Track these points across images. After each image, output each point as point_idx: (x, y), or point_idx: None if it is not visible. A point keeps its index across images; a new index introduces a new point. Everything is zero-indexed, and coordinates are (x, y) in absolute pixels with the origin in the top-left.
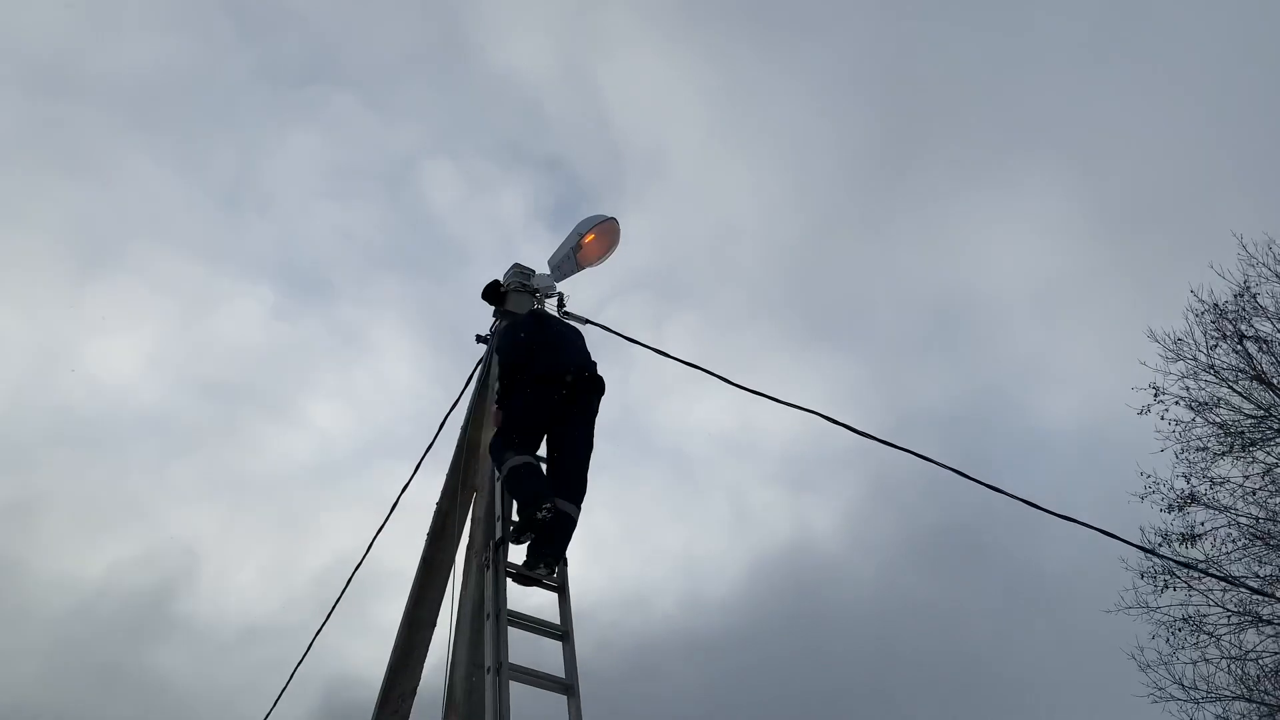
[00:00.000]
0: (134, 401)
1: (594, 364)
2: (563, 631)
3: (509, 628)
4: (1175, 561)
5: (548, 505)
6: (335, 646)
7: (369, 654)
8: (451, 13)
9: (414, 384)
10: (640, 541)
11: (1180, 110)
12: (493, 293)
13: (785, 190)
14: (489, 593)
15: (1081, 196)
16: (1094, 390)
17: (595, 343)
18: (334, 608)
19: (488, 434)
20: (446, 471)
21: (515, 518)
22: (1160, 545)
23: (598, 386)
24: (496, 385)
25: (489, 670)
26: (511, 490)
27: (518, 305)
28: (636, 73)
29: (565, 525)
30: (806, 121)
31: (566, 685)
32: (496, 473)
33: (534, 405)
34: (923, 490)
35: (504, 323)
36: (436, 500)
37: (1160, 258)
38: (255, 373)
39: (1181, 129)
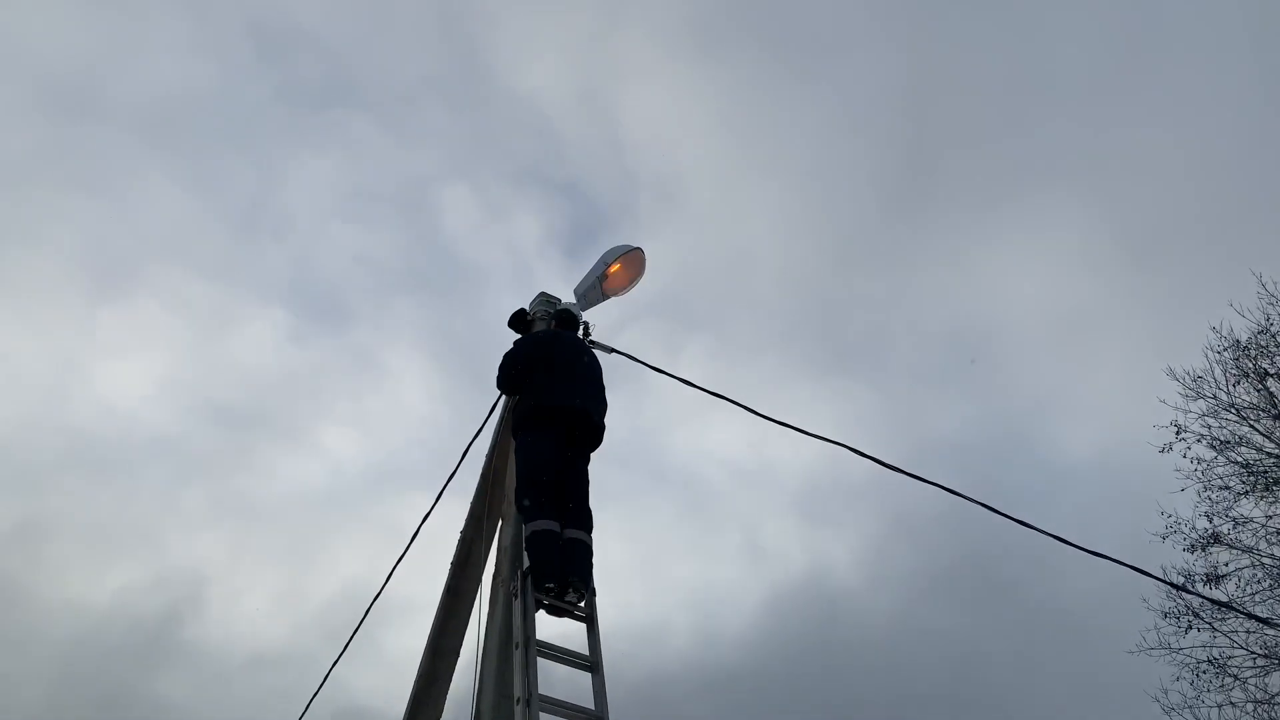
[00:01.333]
0: (145, 425)
1: (598, 407)
2: (592, 663)
3: (537, 659)
4: (1206, 599)
5: (550, 586)
6: (343, 676)
7: (377, 684)
8: (469, 37)
9: (427, 410)
10: (653, 572)
11: (1204, 138)
12: (519, 321)
13: (803, 217)
14: (517, 622)
15: (1104, 225)
16: (1115, 423)
17: (612, 368)
18: (350, 639)
19: (512, 465)
20: (471, 500)
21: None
22: (1178, 591)
23: (594, 436)
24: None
25: (518, 701)
26: (529, 553)
27: None
28: (653, 97)
29: (581, 551)
30: (825, 147)
31: (597, 717)
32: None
33: (541, 453)
34: (941, 523)
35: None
36: (460, 529)
37: (1184, 288)
38: (268, 397)
39: (1206, 157)
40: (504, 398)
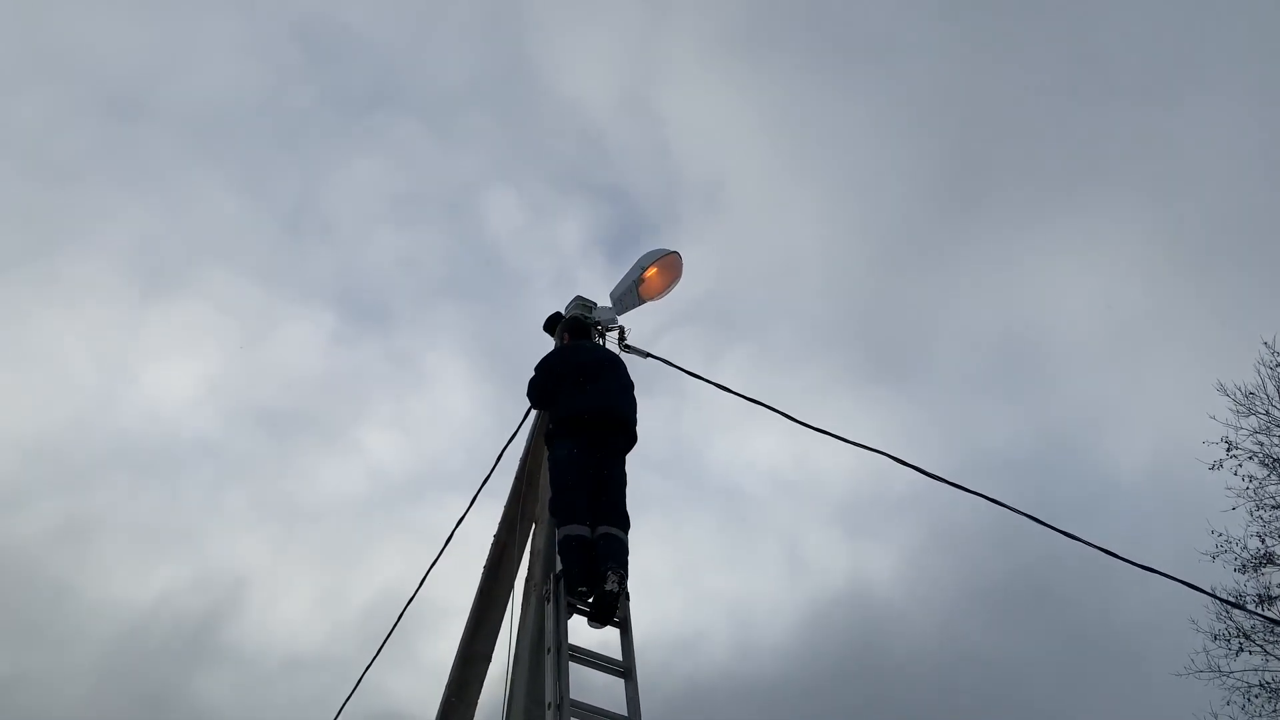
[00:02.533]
0: (190, 426)
1: (625, 407)
2: (625, 668)
3: (569, 664)
4: (1264, 618)
5: (583, 590)
6: (377, 681)
7: (412, 689)
8: (515, 41)
9: (469, 414)
10: (690, 582)
11: (1263, 140)
12: (554, 325)
13: (847, 222)
14: (549, 626)
15: (1158, 231)
16: (1167, 436)
17: (651, 375)
18: (383, 645)
19: (545, 469)
20: (505, 503)
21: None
22: (1232, 611)
23: (626, 437)
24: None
25: (550, 706)
26: (561, 558)
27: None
28: (698, 102)
29: (615, 544)
30: (871, 152)
31: None
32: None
33: (571, 458)
34: (986, 537)
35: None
36: (494, 532)
37: (1240, 295)
38: (311, 399)
39: (1265, 160)
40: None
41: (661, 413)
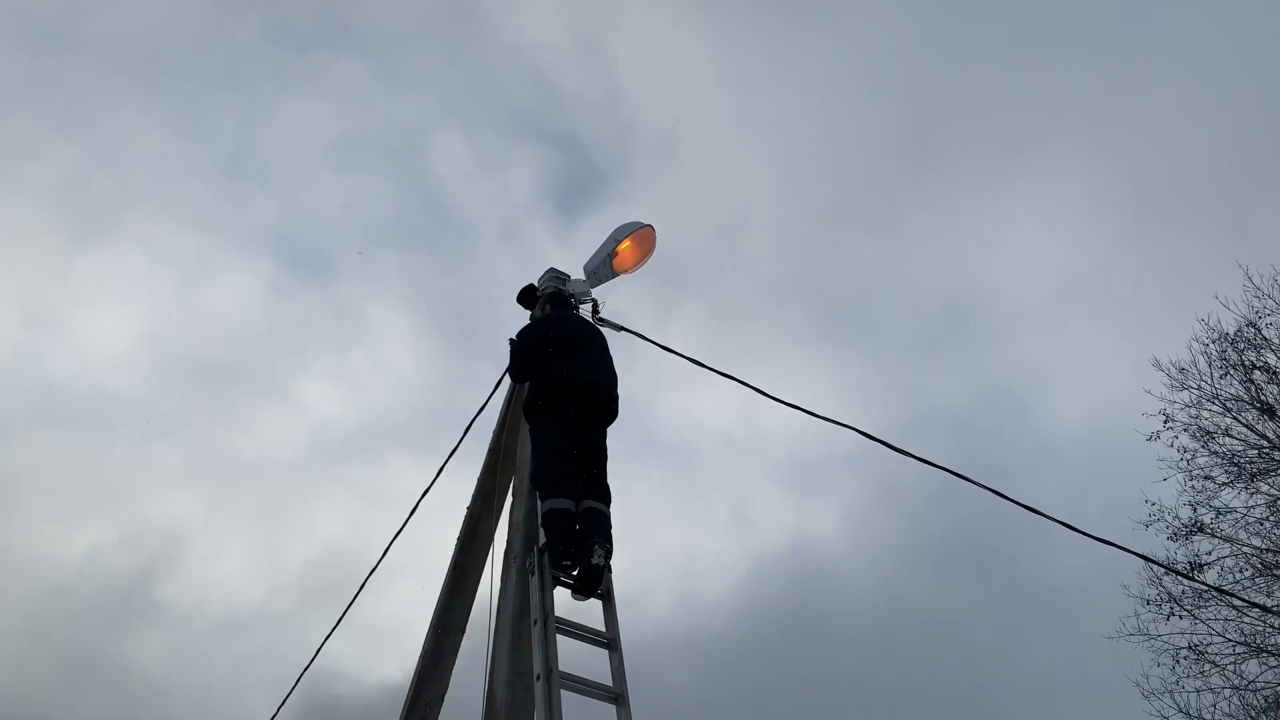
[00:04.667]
0: (120, 376)
1: (607, 380)
2: (609, 639)
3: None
4: (1209, 587)
5: (567, 563)
6: (315, 641)
7: (348, 649)
8: None
9: (412, 368)
10: (635, 539)
11: (1211, 97)
12: (528, 297)
13: (800, 176)
14: (535, 599)
15: (1106, 190)
16: (1106, 398)
17: (609, 335)
18: (345, 612)
19: (523, 442)
20: (478, 476)
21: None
22: (1164, 575)
23: (608, 410)
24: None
25: (538, 677)
26: (545, 532)
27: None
28: (652, 47)
29: (599, 517)
30: (824, 105)
31: (616, 694)
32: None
33: (555, 432)
34: (930, 494)
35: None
36: (466, 504)
37: (1186, 255)
38: (247, 350)
39: (1213, 117)
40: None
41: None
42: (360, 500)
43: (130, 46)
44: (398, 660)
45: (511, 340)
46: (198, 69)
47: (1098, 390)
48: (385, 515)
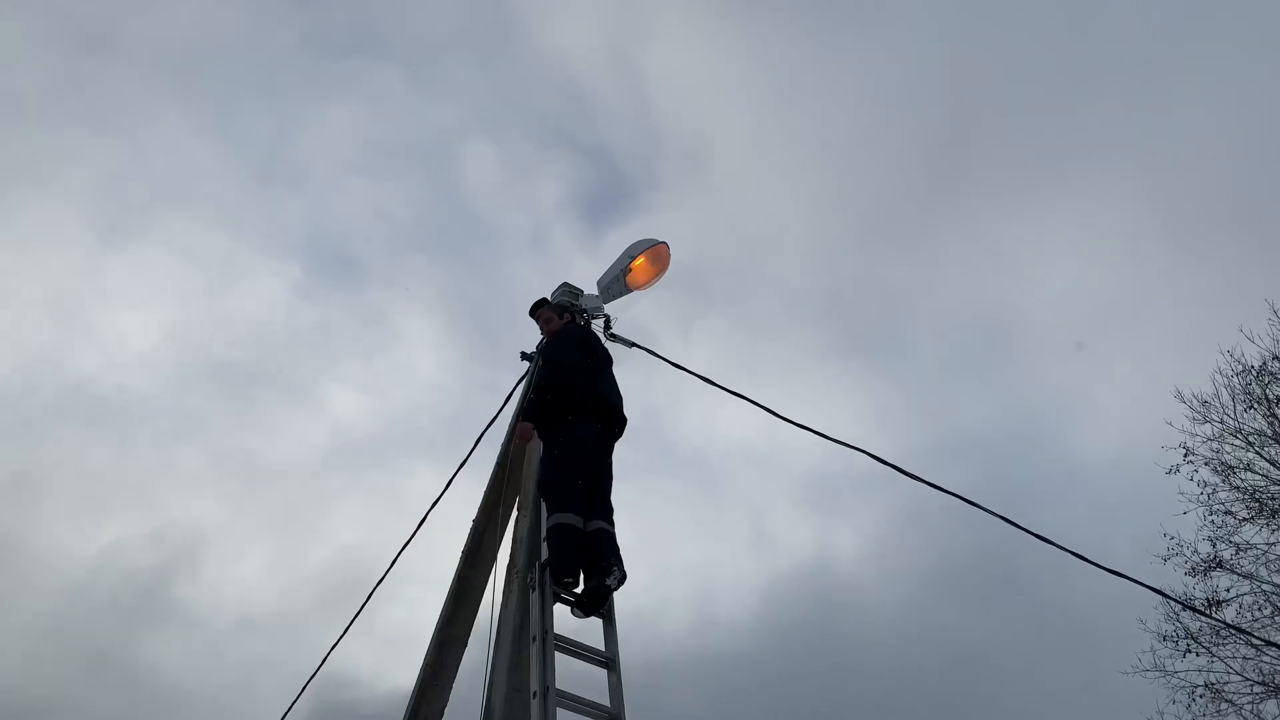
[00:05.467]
0: (147, 376)
1: (620, 398)
2: (608, 658)
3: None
4: (1216, 620)
5: (569, 580)
6: (324, 645)
7: (362, 655)
8: None
9: (436, 375)
10: (654, 555)
11: (1251, 127)
12: (540, 310)
13: (829, 193)
14: (534, 615)
15: (1141, 216)
16: (1137, 424)
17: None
18: (352, 621)
19: (530, 455)
20: (485, 488)
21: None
22: (1182, 612)
23: (622, 428)
24: (529, 396)
25: (535, 695)
26: (549, 546)
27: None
28: (684, 59)
29: (607, 540)
30: (857, 122)
31: (613, 714)
32: (545, 509)
33: (580, 446)
34: (952, 517)
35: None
36: (472, 517)
37: (1217, 285)
38: (274, 353)
39: (1254, 147)
40: (523, 383)
41: (631, 381)
42: (379, 506)
43: (168, 50)
44: (411, 667)
45: (538, 349)
46: (234, 73)
47: (1128, 419)
48: (403, 521)
